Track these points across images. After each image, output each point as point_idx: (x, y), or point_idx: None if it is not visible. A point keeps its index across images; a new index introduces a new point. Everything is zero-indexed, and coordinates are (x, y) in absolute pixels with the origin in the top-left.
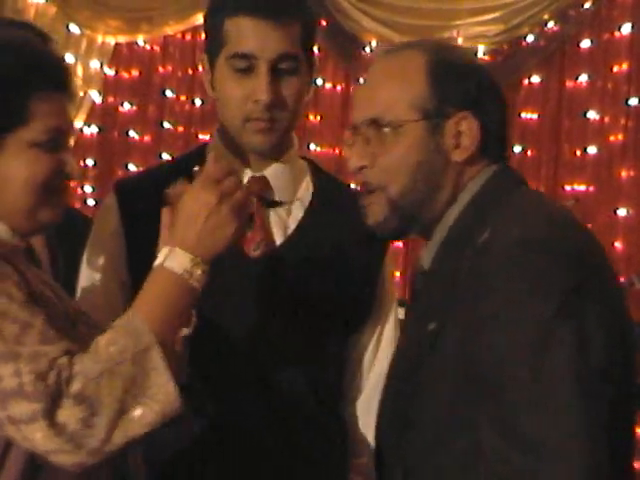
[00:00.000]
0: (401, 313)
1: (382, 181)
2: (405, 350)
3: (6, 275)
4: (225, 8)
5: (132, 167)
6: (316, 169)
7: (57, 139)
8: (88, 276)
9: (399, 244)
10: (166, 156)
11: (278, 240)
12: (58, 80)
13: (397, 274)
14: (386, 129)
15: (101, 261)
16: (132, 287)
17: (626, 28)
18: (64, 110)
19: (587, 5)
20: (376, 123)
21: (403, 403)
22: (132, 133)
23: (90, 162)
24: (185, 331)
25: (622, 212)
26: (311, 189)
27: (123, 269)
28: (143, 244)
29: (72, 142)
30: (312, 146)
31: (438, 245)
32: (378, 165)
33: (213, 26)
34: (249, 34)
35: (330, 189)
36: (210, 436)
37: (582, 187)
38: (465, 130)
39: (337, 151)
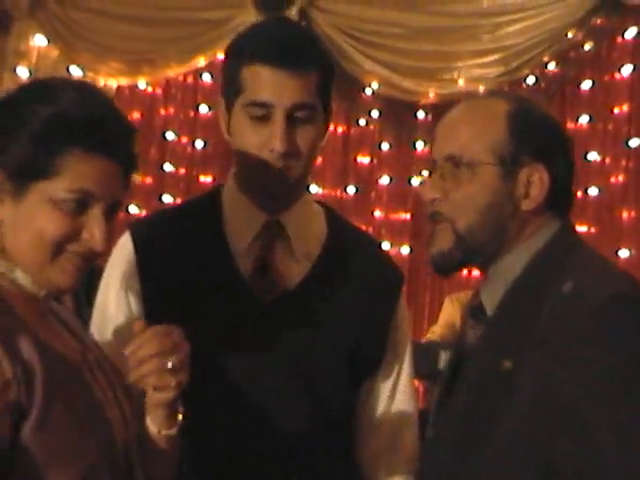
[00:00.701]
0: None
1: (452, 214)
2: (464, 389)
3: None
4: (242, 55)
5: (133, 209)
6: (331, 214)
7: (82, 202)
8: (102, 315)
9: None
10: (167, 198)
11: (290, 286)
12: (102, 142)
13: None
14: (462, 167)
15: (116, 299)
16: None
17: (627, 69)
18: (104, 176)
19: (587, 47)
20: (453, 160)
21: (467, 445)
22: (133, 175)
23: None
24: (170, 432)
25: (624, 253)
26: (325, 234)
27: (138, 310)
28: (158, 283)
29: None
30: (314, 187)
31: (504, 291)
32: (450, 199)
33: (230, 72)
34: (266, 83)
35: (344, 234)
36: None
37: (584, 228)
38: (536, 181)
39: (339, 193)
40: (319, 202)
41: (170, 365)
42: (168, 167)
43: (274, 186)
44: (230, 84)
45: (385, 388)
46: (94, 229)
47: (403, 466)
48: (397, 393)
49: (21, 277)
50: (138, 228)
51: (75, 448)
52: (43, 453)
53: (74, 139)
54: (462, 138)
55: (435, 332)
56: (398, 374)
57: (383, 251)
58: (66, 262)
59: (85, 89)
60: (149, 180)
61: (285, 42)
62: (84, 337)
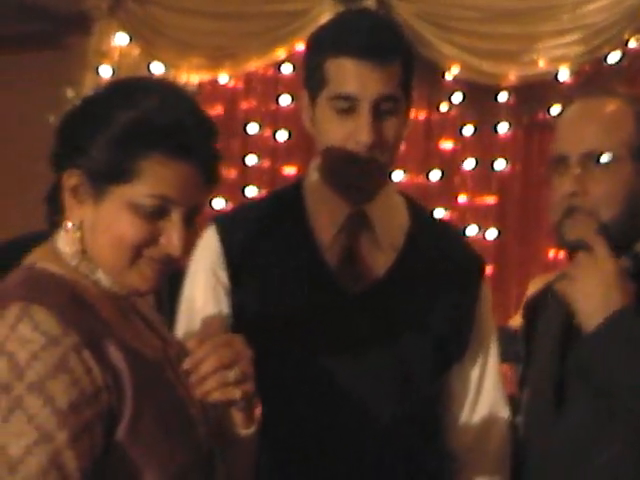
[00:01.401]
0: None
1: (594, 208)
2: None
3: (66, 369)
4: (327, 48)
5: (218, 203)
6: (412, 203)
7: (163, 208)
8: (189, 309)
9: (489, 270)
10: (251, 191)
11: (377, 275)
12: (183, 147)
13: None
14: (601, 162)
15: (203, 294)
16: (235, 319)
17: None
18: (184, 181)
19: None
20: (591, 156)
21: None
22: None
23: None
24: (248, 431)
25: None
26: (408, 223)
27: (226, 302)
28: (245, 276)
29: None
30: (398, 174)
31: None
32: (591, 194)
33: (314, 65)
34: (351, 75)
35: (426, 223)
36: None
37: None
38: None
39: (423, 178)
40: (400, 191)
41: (232, 378)
42: (251, 160)
43: (360, 177)
44: (314, 77)
45: (473, 377)
46: (172, 235)
47: (490, 464)
48: (485, 381)
49: (103, 278)
50: (222, 221)
51: (166, 448)
52: (138, 454)
53: (155, 144)
54: (598, 135)
55: (516, 321)
56: (485, 362)
57: (464, 238)
58: (145, 267)
59: (168, 91)
60: (233, 173)
61: (368, 34)
62: (165, 333)
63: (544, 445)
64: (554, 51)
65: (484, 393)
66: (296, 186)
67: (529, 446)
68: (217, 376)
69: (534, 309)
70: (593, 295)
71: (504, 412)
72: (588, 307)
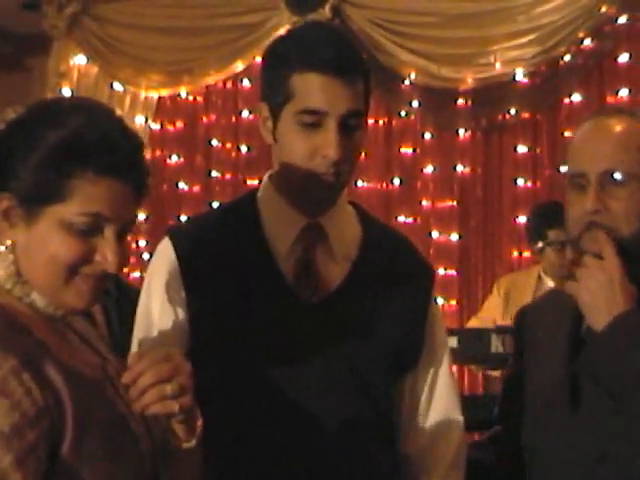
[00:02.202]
0: (453, 342)
1: (614, 225)
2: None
3: (6, 393)
4: (292, 64)
5: (184, 218)
6: (361, 213)
7: (94, 225)
8: (146, 322)
9: (453, 273)
10: (216, 204)
11: (332, 286)
12: (113, 164)
13: (453, 303)
14: (619, 180)
15: (159, 307)
16: (190, 331)
17: None
18: (115, 197)
19: (622, 20)
20: (611, 174)
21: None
22: (181, 184)
23: (142, 216)
24: (189, 444)
25: None
26: (360, 234)
27: (182, 313)
28: (201, 288)
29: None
30: (359, 182)
31: None
32: (613, 211)
33: (277, 79)
34: (319, 91)
35: (377, 232)
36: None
37: None
38: None
39: (385, 185)
40: (350, 201)
41: (170, 392)
42: (215, 173)
43: (321, 192)
44: (276, 91)
45: (426, 383)
46: (107, 252)
47: (445, 467)
48: (437, 387)
49: (38, 299)
50: (177, 233)
51: (109, 465)
52: (83, 472)
53: (84, 162)
54: (613, 154)
55: (475, 322)
56: (437, 367)
57: (414, 247)
58: (81, 284)
59: (92, 109)
60: (197, 188)
61: (335, 50)
62: (103, 350)
63: (560, 449)
64: (510, 53)
65: (437, 398)
66: (250, 197)
67: (539, 451)
68: (155, 389)
69: (527, 318)
70: (598, 294)
71: (457, 416)
72: (594, 306)
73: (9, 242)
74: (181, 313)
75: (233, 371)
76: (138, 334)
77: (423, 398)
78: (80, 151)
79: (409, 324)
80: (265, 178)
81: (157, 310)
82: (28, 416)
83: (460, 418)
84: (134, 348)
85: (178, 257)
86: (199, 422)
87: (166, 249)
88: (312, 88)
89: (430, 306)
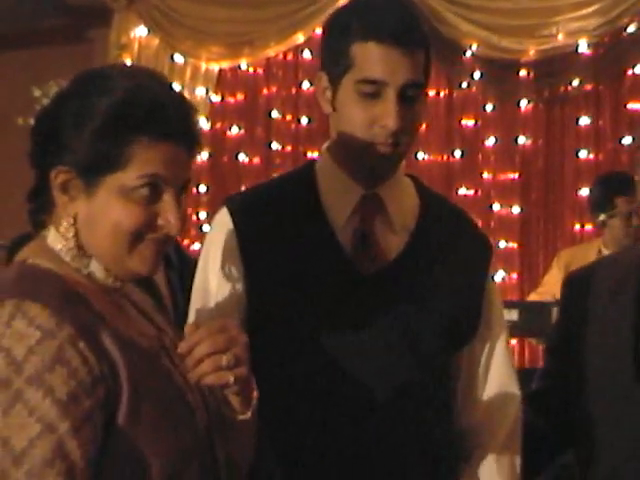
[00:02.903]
0: (513, 315)
1: None
2: None
3: (63, 361)
4: (353, 33)
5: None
6: (420, 185)
7: (157, 190)
8: (203, 293)
9: (514, 246)
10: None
11: (390, 257)
12: (173, 129)
13: (514, 275)
14: None
15: (217, 277)
16: (247, 302)
17: None
18: (173, 161)
19: None
20: None
21: None
22: (242, 156)
23: (203, 188)
24: (245, 416)
25: None
26: (418, 205)
27: (240, 284)
28: (259, 259)
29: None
30: (420, 155)
31: None
32: None
33: (337, 48)
34: (379, 61)
35: (435, 205)
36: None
37: None
38: None
39: (445, 157)
40: (407, 173)
41: (225, 362)
42: (275, 145)
43: (381, 162)
44: (337, 60)
45: (482, 356)
46: (169, 215)
47: (501, 441)
48: (494, 360)
49: (96, 270)
50: (235, 204)
51: (166, 434)
52: (139, 441)
53: (139, 128)
54: None
55: (535, 296)
56: (494, 341)
57: (472, 220)
58: (144, 249)
59: (140, 75)
60: (257, 160)
61: (397, 20)
62: (160, 321)
63: (627, 420)
64: (573, 24)
65: (493, 372)
66: (308, 168)
67: (600, 423)
68: (211, 360)
69: (577, 286)
70: None
71: (514, 390)
72: None
73: (70, 216)
74: (238, 284)
75: (290, 342)
76: (195, 305)
77: (479, 372)
78: (133, 117)
79: (467, 296)
80: (323, 148)
81: (214, 281)
82: (84, 384)
83: (517, 392)
84: (191, 319)
85: (235, 227)
86: (255, 394)
87: (223, 219)
88: (372, 58)
89: (488, 280)
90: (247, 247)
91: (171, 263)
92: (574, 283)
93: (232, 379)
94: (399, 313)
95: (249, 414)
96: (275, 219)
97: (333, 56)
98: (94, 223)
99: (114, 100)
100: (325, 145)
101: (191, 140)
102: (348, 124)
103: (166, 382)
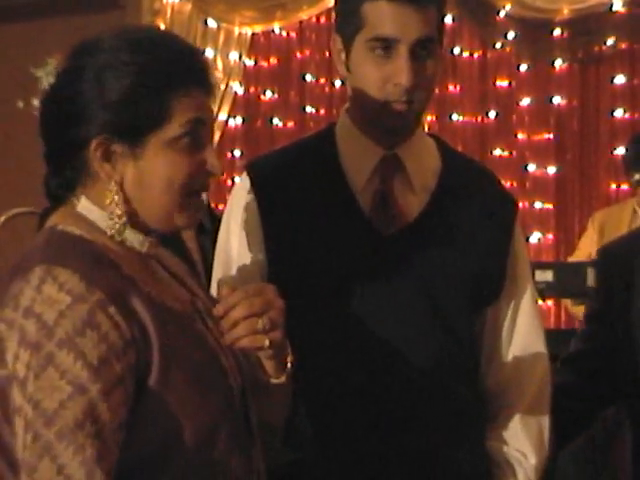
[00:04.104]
0: (548, 276)
1: None
2: None
3: (93, 325)
4: None
5: None
6: (442, 145)
7: (196, 134)
8: (224, 258)
9: (550, 207)
10: None
11: (411, 218)
12: (199, 76)
13: (550, 236)
14: None
15: (238, 243)
16: (269, 266)
17: None
18: (204, 105)
19: None
20: None
21: None
22: (275, 120)
23: (237, 153)
24: (279, 380)
25: None
26: (440, 165)
27: (261, 249)
28: (279, 223)
29: (216, 137)
30: (454, 116)
31: None
32: None
33: (349, 8)
34: (390, 18)
35: (458, 164)
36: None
37: None
38: None
39: (480, 118)
40: (430, 134)
41: (261, 326)
42: (309, 109)
43: (396, 120)
44: (349, 20)
45: (507, 316)
46: (209, 158)
47: (526, 403)
48: (519, 320)
49: (131, 237)
50: (255, 168)
51: (197, 397)
52: (171, 404)
53: (176, 81)
54: None
55: (577, 256)
56: (519, 301)
57: (496, 179)
58: (195, 201)
59: (155, 34)
60: (291, 124)
61: None
62: (193, 286)
63: None
64: None
65: (518, 331)
66: (328, 131)
67: None
68: (247, 323)
69: (617, 258)
70: None
71: (541, 349)
72: None
73: (117, 183)
74: (260, 249)
75: (312, 304)
76: (217, 270)
77: (504, 331)
78: (169, 72)
79: (490, 256)
80: (342, 111)
81: (236, 246)
82: (115, 348)
83: (543, 351)
84: (213, 284)
85: (256, 192)
86: (289, 358)
87: (244, 185)
88: (382, 15)
89: (512, 239)
90: (267, 212)
91: (204, 228)
92: (611, 256)
93: (267, 343)
94: (420, 274)
95: (283, 378)
96: (295, 183)
97: (345, 17)
98: (145, 183)
99: (147, 59)
100: (344, 107)
101: (211, 82)
102: (362, 84)
103: (199, 345)
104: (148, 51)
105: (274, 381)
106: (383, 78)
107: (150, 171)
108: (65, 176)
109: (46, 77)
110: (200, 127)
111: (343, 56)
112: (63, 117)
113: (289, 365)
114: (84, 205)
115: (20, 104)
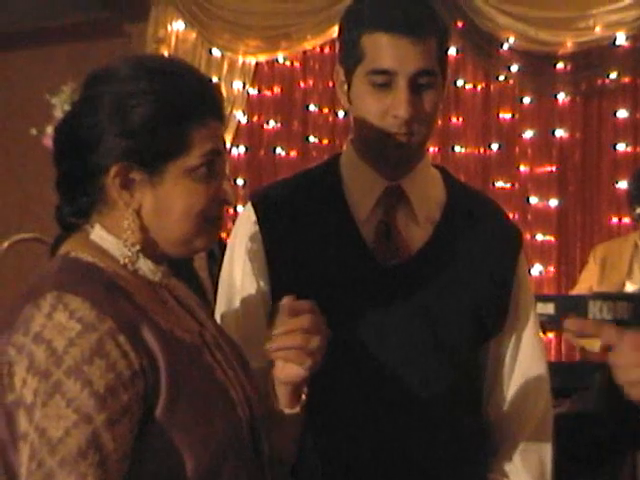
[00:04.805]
0: (549, 308)
1: None
2: None
3: (102, 354)
4: (362, 24)
5: None
6: (448, 177)
7: (213, 165)
8: (228, 288)
9: (552, 239)
10: None
11: (414, 249)
12: (215, 106)
13: (551, 269)
14: None
15: (242, 273)
16: (271, 297)
17: None
18: (219, 135)
19: None
20: None
21: None
22: (278, 150)
23: (240, 182)
24: (293, 410)
25: None
26: (444, 196)
27: (265, 279)
28: (283, 253)
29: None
30: (457, 148)
31: None
32: None
33: (349, 41)
34: (388, 50)
35: (462, 196)
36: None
37: None
38: None
39: (482, 150)
40: (436, 165)
41: (312, 345)
42: (312, 138)
43: (397, 152)
44: (350, 52)
45: (510, 348)
46: (224, 187)
47: (528, 435)
48: (522, 351)
49: (144, 266)
50: (260, 198)
51: (203, 430)
52: (175, 436)
53: (196, 111)
54: None
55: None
56: (521, 333)
57: (501, 210)
58: (211, 226)
59: (174, 64)
60: (294, 153)
61: (404, 9)
62: (202, 317)
63: None
64: (610, 16)
65: (521, 362)
66: (333, 161)
67: None
68: (303, 336)
69: None
70: None
71: (543, 381)
72: None
73: (135, 210)
74: (263, 279)
75: None
76: (221, 301)
77: (506, 363)
78: (189, 103)
79: (494, 288)
80: (347, 142)
81: (239, 276)
82: (123, 378)
83: (545, 383)
84: (217, 315)
85: (259, 222)
86: (305, 389)
87: (248, 214)
88: (380, 48)
89: (517, 271)
90: (271, 242)
91: (214, 255)
92: None
93: (309, 364)
94: (423, 305)
95: (297, 409)
96: (299, 213)
97: (347, 48)
98: (163, 211)
99: (170, 89)
100: (349, 138)
101: (224, 113)
102: (363, 116)
103: (207, 377)
104: (167, 80)
105: (288, 411)
106: (383, 110)
107: (168, 199)
108: (79, 204)
109: (61, 105)
110: (216, 157)
111: (345, 87)
112: (80, 144)
113: (303, 396)
114: (98, 233)
115: (33, 131)
